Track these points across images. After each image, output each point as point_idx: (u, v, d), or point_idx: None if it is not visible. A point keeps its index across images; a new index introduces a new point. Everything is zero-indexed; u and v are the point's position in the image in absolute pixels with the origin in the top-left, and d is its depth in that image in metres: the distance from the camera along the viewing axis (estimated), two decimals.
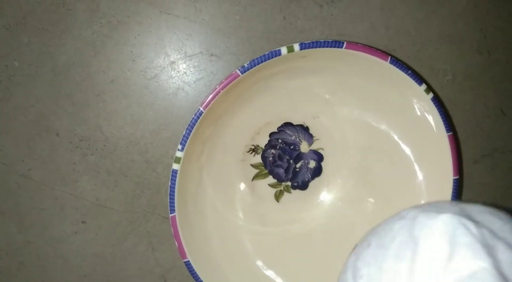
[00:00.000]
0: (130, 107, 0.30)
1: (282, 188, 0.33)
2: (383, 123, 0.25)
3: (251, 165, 0.32)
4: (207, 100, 0.23)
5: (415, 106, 0.23)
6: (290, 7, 0.31)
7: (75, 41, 0.29)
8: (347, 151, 0.31)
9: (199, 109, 0.23)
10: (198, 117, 0.23)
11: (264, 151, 0.32)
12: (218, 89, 0.23)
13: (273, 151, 0.32)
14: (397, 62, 0.22)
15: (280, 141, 0.32)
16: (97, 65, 0.29)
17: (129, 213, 0.31)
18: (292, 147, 0.33)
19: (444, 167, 0.23)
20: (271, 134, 0.32)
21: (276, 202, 0.33)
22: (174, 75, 0.31)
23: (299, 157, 0.33)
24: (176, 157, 0.22)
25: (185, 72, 0.31)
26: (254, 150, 0.32)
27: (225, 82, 0.22)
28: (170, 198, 0.22)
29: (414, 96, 0.22)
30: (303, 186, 0.33)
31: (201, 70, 0.31)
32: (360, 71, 0.23)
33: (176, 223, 0.22)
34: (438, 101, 0.23)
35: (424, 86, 0.22)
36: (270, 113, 0.31)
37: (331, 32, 0.30)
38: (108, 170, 0.30)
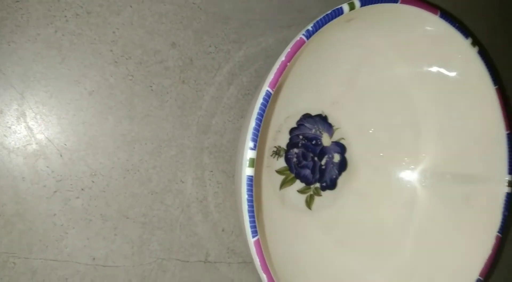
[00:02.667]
0: (119, 124, 0.32)
1: (312, 192, 0.38)
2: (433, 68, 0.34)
3: (276, 171, 0.37)
4: (273, 78, 0.26)
5: (459, 61, 0.31)
6: None
7: (32, 45, 0.30)
8: (374, 129, 0.39)
9: (267, 90, 0.26)
10: (267, 101, 0.25)
11: (286, 152, 0.37)
12: (284, 61, 0.26)
13: (295, 150, 0.38)
14: (446, 15, 0.30)
15: (301, 137, 0.38)
16: (68, 75, 0.30)
17: (139, 266, 0.32)
18: (314, 142, 0.39)
19: (493, 121, 0.31)
20: (291, 131, 0.37)
21: (308, 210, 0.39)
22: (170, 75, 0.33)
23: (323, 152, 0.39)
24: (249, 159, 0.25)
25: (182, 70, 0.33)
26: (277, 152, 0.36)
27: (291, 51, 0.26)
28: (249, 216, 0.25)
29: (458, 50, 0.30)
30: (332, 185, 0.39)
31: (201, 65, 0.38)
32: (405, 28, 0.31)
33: (261, 249, 0.25)
34: (484, 55, 0.31)
35: (470, 39, 0.30)
36: (290, 105, 0.37)
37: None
38: (102, 215, 0.31)
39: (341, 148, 0.44)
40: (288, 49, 0.27)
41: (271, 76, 0.27)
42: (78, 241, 0.34)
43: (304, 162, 0.42)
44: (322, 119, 0.43)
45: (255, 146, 0.27)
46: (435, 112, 0.37)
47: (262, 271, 0.27)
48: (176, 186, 0.37)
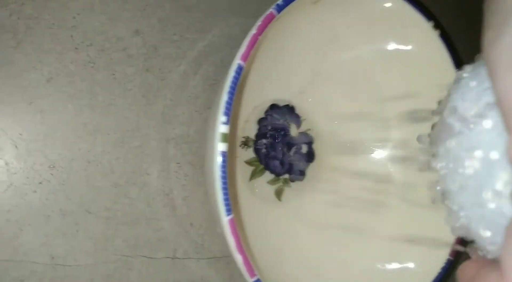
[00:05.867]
0: (80, 113, 0.31)
1: (281, 183, 0.38)
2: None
3: (245, 162, 0.37)
4: (245, 50, 0.26)
5: (421, 42, 0.33)
6: None
7: None
8: (341, 118, 0.40)
9: (238, 63, 0.26)
10: (239, 74, 0.25)
11: (255, 142, 0.37)
12: (255, 34, 0.26)
13: (264, 140, 0.38)
14: None
15: (269, 127, 0.38)
16: (24, 60, 0.29)
17: (103, 264, 0.31)
18: (282, 133, 0.39)
19: None
20: (259, 121, 0.37)
21: (278, 201, 0.39)
22: (133, 63, 0.33)
23: (291, 142, 0.40)
24: (221, 133, 0.25)
25: (146, 58, 0.33)
26: (245, 142, 0.37)
27: (262, 24, 0.27)
28: (223, 193, 0.25)
29: (419, 33, 0.31)
30: (301, 176, 0.40)
31: (165, 53, 0.37)
32: (368, 8, 0.32)
33: (235, 228, 0.25)
34: (445, 38, 0.33)
35: (432, 22, 0.31)
36: (258, 95, 0.37)
37: None
38: (62, 210, 0.30)
39: (308, 139, 0.44)
40: (259, 22, 0.27)
41: (242, 49, 0.27)
42: (35, 239, 0.32)
43: (273, 153, 0.42)
44: (289, 110, 0.43)
45: (228, 120, 0.27)
46: (398, 92, 0.38)
47: (237, 252, 0.26)
48: (141, 178, 0.36)
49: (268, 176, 0.42)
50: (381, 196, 0.38)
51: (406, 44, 0.39)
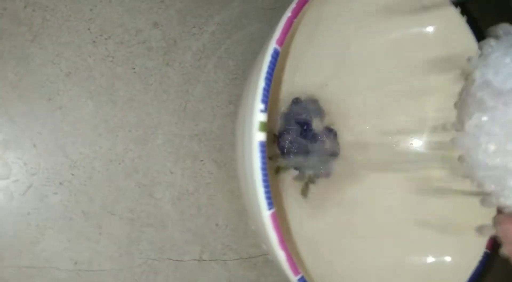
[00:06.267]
0: (101, 109, 0.29)
1: (306, 180, 0.37)
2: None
3: (269, 158, 0.35)
4: (280, 34, 0.24)
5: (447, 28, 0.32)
6: None
7: None
8: (366, 111, 0.38)
9: (274, 48, 0.24)
10: (276, 59, 0.24)
11: (279, 138, 0.35)
12: (290, 17, 0.25)
13: (287, 136, 0.36)
14: None
15: (292, 122, 0.36)
16: (42, 54, 0.28)
17: (128, 269, 0.30)
18: (305, 128, 0.37)
19: None
20: (282, 116, 0.36)
21: (304, 198, 0.37)
22: (153, 57, 0.31)
23: (315, 138, 0.38)
24: (260, 122, 0.23)
25: (166, 51, 0.35)
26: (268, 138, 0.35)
27: (296, 7, 0.25)
28: (264, 186, 0.23)
29: (444, 17, 0.30)
30: (326, 172, 0.38)
31: (185, 46, 0.36)
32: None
33: (278, 223, 0.23)
34: (472, 23, 0.32)
35: (459, 8, 0.30)
36: (280, 88, 0.35)
37: None
38: (85, 212, 0.29)
39: (333, 134, 0.43)
40: (293, 5, 0.26)
41: (277, 33, 0.25)
42: (57, 243, 0.30)
43: (297, 149, 0.40)
44: (313, 104, 0.41)
45: (266, 107, 0.25)
46: (427, 79, 0.37)
47: (279, 248, 0.24)
48: (165, 177, 0.34)
49: (292, 172, 0.40)
50: (411, 190, 0.37)
51: (431, 30, 0.37)
